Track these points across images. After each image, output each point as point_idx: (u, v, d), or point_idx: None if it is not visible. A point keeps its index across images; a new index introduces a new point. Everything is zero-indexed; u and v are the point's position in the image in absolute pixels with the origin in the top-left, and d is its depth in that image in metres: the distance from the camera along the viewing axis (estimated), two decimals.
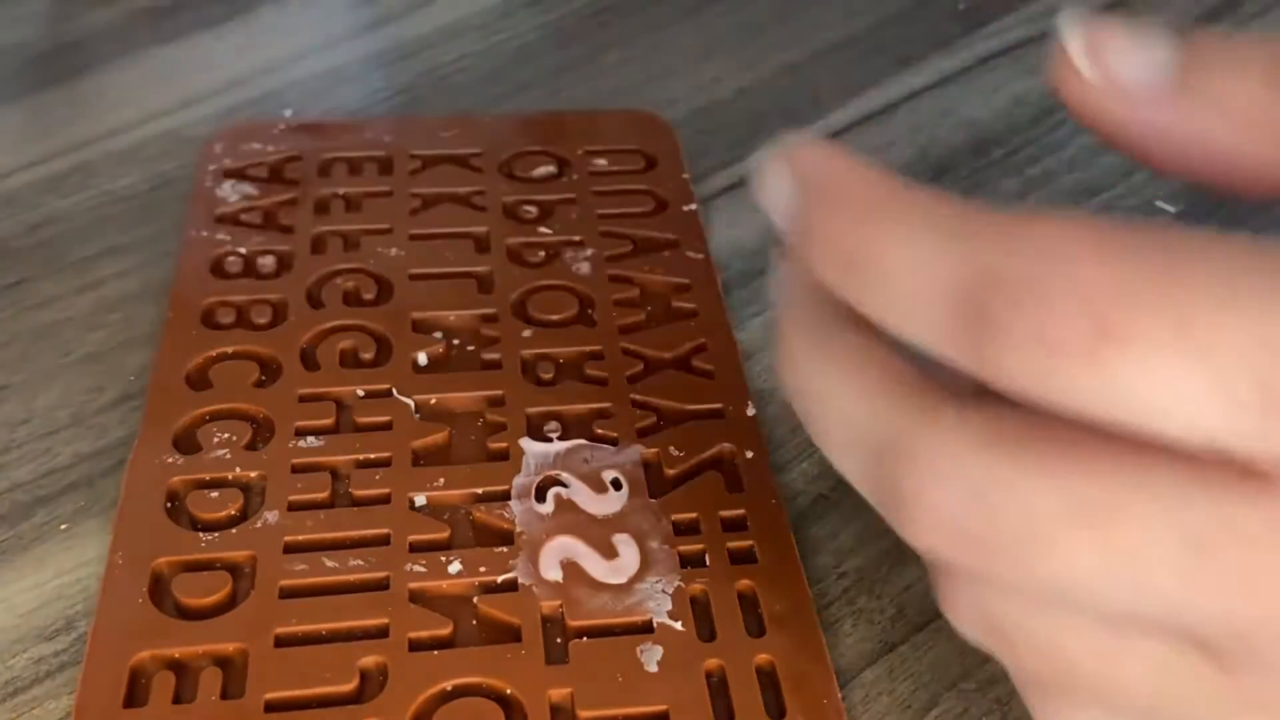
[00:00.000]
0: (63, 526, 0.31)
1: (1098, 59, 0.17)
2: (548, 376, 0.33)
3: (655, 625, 0.27)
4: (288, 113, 0.45)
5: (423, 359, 0.34)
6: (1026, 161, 0.45)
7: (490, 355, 0.34)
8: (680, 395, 0.33)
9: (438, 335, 0.35)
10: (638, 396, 0.33)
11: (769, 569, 0.29)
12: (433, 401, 0.33)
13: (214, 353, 0.33)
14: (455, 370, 0.34)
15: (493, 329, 0.35)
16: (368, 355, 0.34)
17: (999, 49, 0.51)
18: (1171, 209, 0.42)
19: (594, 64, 0.49)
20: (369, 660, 0.27)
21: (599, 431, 0.32)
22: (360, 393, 0.33)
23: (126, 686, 0.26)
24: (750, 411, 0.33)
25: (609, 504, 0.30)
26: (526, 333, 0.35)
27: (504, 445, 0.31)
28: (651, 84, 0.48)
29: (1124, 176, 0.44)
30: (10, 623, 0.29)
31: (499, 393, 0.33)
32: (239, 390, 0.32)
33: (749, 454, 0.31)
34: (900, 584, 0.30)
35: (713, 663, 0.27)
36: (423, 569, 0.28)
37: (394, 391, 0.33)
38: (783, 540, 0.29)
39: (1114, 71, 0.17)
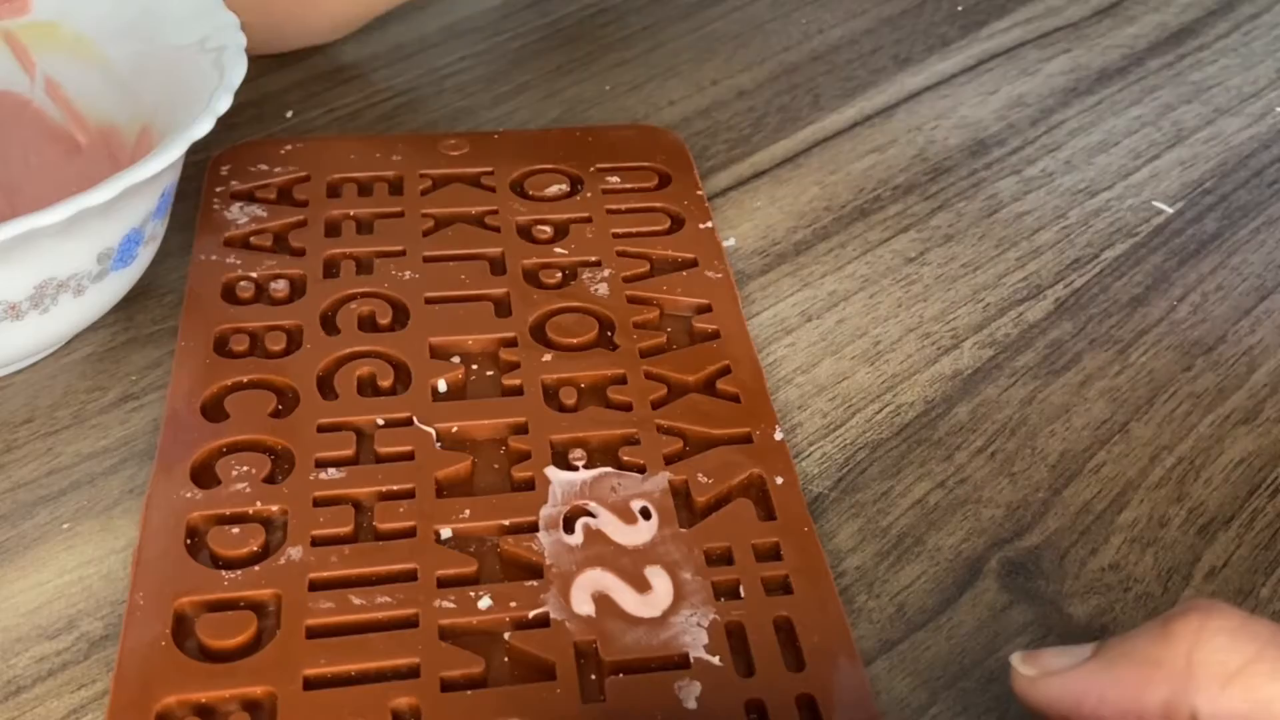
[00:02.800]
0: (65, 526, 0.31)
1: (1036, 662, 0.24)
2: (570, 402, 0.33)
3: (692, 660, 0.27)
4: (289, 114, 0.44)
5: (442, 385, 0.33)
6: (1024, 162, 0.45)
7: (511, 381, 0.33)
8: (706, 420, 0.32)
9: (456, 360, 0.34)
10: (663, 422, 0.32)
11: (805, 599, 0.28)
12: (454, 430, 0.32)
13: (229, 382, 0.33)
14: (475, 397, 0.33)
15: (512, 354, 0.34)
16: (386, 382, 0.33)
17: (997, 50, 0.51)
18: (1168, 208, 0.42)
19: (594, 64, 0.49)
20: (401, 701, 0.26)
21: (625, 458, 0.31)
22: (380, 421, 0.32)
23: None
24: (779, 436, 0.32)
25: (639, 534, 0.29)
26: (546, 357, 0.34)
27: (529, 474, 0.31)
28: (651, 84, 0.48)
29: (1121, 177, 0.44)
30: (12, 621, 0.28)
31: (521, 419, 0.32)
32: (256, 421, 0.32)
33: (779, 480, 0.31)
34: (899, 583, 0.30)
35: (753, 699, 0.26)
36: (452, 605, 0.28)
37: (414, 420, 0.32)
38: (818, 568, 0.29)
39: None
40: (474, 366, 0.34)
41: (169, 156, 0.31)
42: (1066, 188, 0.43)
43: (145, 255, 0.34)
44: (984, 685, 0.28)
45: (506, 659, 0.27)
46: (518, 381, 0.33)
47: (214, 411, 0.32)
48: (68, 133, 0.39)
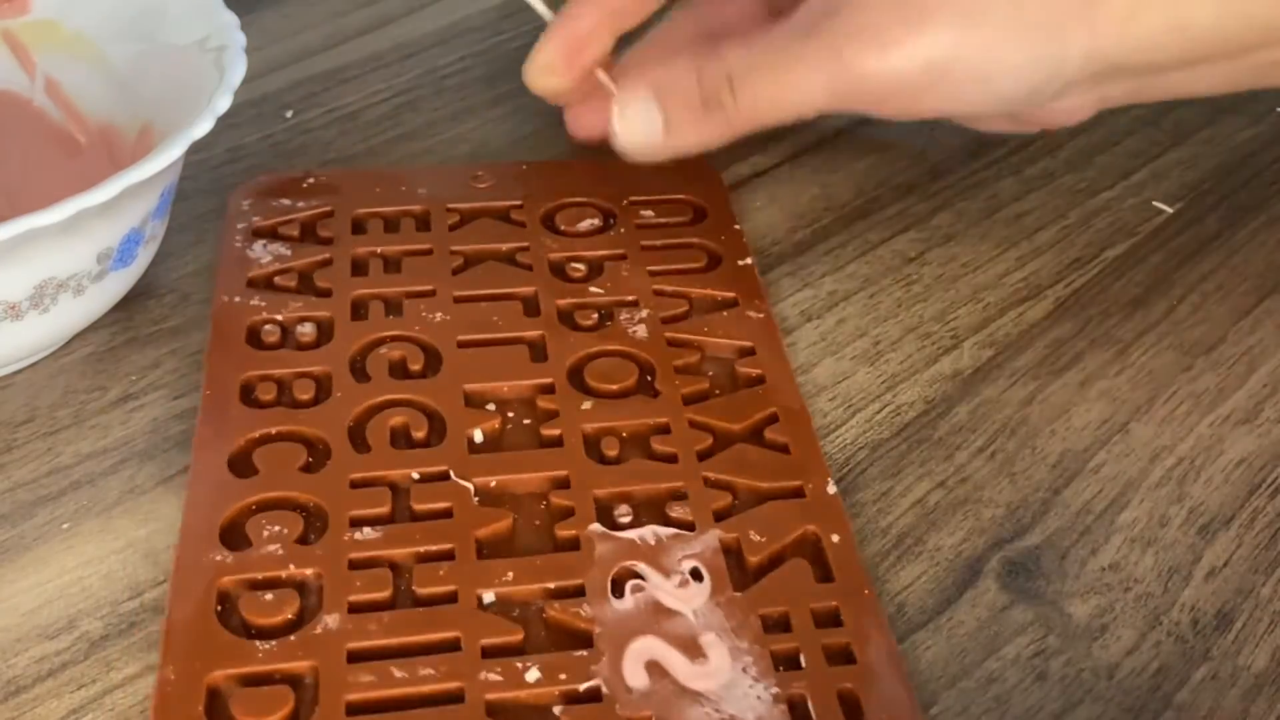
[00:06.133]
0: (64, 526, 0.30)
1: None
2: (613, 453, 0.31)
3: None
4: (289, 114, 0.44)
5: (478, 436, 0.32)
6: (1025, 162, 0.44)
7: (550, 431, 0.32)
8: (755, 472, 0.31)
9: (491, 408, 0.33)
10: (710, 474, 0.31)
11: (869, 668, 0.27)
12: (493, 484, 0.30)
13: (256, 434, 0.31)
14: (513, 448, 0.32)
15: (550, 401, 0.33)
16: (420, 433, 0.32)
17: None
18: (1169, 208, 0.42)
19: None
20: None
21: (673, 515, 0.30)
22: (415, 476, 0.31)
23: None
24: (831, 489, 0.31)
25: (691, 598, 0.28)
26: (586, 404, 0.33)
27: (573, 533, 0.29)
28: None
29: (1122, 177, 0.43)
30: (12, 622, 0.28)
31: (563, 473, 0.31)
32: (287, 476, 0.30)
33: (835, 538, 0.29)
34: (899, 583, 0.29)
35: None
36: (498, 677, 0.26)
37: (451, 474, 0.31)
38: (881, 636, 0.27)
39: None
40: (510, 414, 0.33)
41: (169, 156, 0.30)
42: (1067, 187, 0.43)
43: (145, 255, 0.34)
44: (984, 685, 0.27)
45: None
46: (557, 431, 0.32)
47: (242, 466, 0.31)
48: (68, 132, 0.39)
